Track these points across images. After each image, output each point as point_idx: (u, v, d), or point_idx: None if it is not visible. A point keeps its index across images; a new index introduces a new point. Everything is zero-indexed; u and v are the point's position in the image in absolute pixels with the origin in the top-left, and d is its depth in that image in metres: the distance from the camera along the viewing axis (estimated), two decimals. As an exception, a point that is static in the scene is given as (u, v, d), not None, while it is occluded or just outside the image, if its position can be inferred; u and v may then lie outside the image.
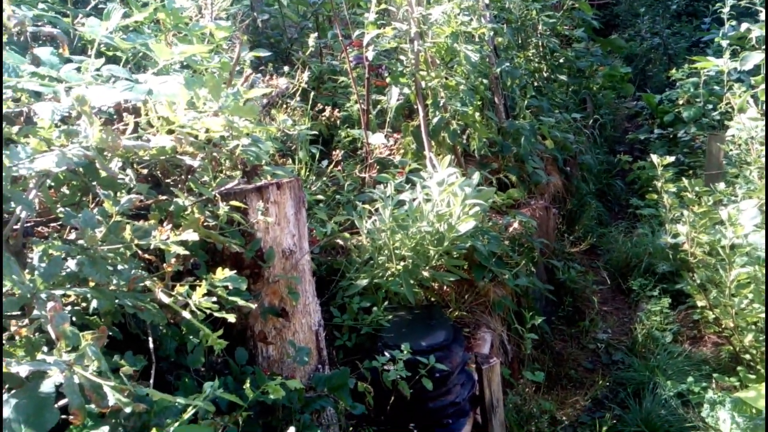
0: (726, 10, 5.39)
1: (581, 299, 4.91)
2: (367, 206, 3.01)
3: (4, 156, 1.10)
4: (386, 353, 2.42)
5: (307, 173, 2.80)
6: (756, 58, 2.79)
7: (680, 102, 7.38)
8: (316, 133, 4.40)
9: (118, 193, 1.42)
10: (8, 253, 1.18)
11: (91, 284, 1.16)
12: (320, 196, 2.72)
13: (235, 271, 1.30)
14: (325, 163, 3.11)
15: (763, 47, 2.85)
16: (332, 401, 1.83)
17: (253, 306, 1.62)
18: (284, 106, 3.31)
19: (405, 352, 2.36)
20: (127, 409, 0.92)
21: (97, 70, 1.63)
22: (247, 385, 1.42)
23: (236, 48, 3.49)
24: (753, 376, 3.52)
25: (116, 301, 1.18)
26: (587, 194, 6.58)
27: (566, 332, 4.54)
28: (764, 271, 3.52)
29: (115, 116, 1.67)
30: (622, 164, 7.51)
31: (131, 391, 0.97)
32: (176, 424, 1.14)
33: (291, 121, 2.48)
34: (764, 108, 2.79)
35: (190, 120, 1.28)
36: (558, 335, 4.49)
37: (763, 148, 4.00)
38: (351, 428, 2.24)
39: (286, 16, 5.81)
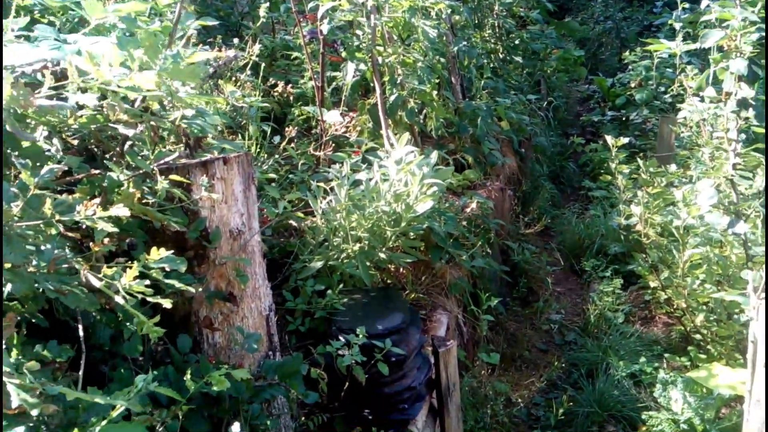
0: (679, -7, 5.43)
1: (535, 280, 4.92)
2: (322, 185, 2.90)
3: None
4: (341, 338, 2.33)
5: (258, 150, 2.66)
6: (716, 35, 2.76)
7: (632, 85, 7.46)
8: (268, 108, 4.24)
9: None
10: None
11: (7, 266, 1.03)
12: (272, 175, 2.59)
13: (173, 252, 1.18)
14: (277, 139, 2.97)
15: (723, 25, 2.83)
16: (283, 389, 1.73)
17: (198, 290, 1.50)
18: (233, 79, 3.14)
19: (360, 336, 2.27)
20: (34, 412, 0.80)
21: (21, 29, 1.47)
22: (188, 376, 1.30)
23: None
24: (703, 356, 3.58)
25: (36, 284, 1.04)
26: (541, 176, 6.60)
27: (521, 313, 4.54)
28: (716, 252, 3.57)
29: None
30: (575, 147, 7.57)
31: (43, 390, 0.85)
32: (104, 422, 1.03)
33: (240, 93, 2.33)
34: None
35: (116, 77, 1.14)
36: (512, 316, 4.48)
37: (715, 130, 4.03)
38: (303, 417, 2.15)
39: (236, -12, 5.58)
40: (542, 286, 4.86)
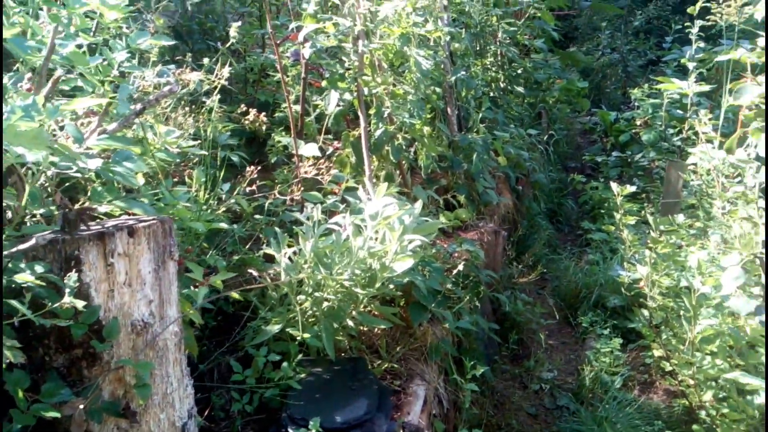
0: (695, 30, 5.10)
1: (527, 332, 4.54)
2: (284, 233, 2.52)
3: None
4: (290, 430, 1.94)
5: (207, 197, 2.29)
6: (753, 91, 2.41)
7: (638, 122, 7.14)
8: (248, 133, 3.87)
9: None
10: None
11: None
12: (223, 225, 2.21)
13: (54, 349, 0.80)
14: (233, 182, 2.59)
15: (764, 76, 2.48)
16: None
17: (79, 408, 1.11)
18: (193, 107, 2.77)
19: (313, 431, 1.88)
20: None
21: None
22: None
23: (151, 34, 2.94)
24: (711, 441, 3.19)
25: None
26: (538, 215, 6.24)
27: (510, 371, 4.14)
28: (728, 322, 3.19)
29: None
30: (575, 184, 7.21)
31: None
32: None
33: (178, 135, 1.96)
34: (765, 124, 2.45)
35: None
36: (500, 374, 4.09)
37: (728, 181, 3.68)
38: None
39: (224, 0, 5.23)
40: (534, 340, 4.47)
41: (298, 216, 2.65)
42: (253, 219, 2.92)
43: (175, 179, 2.46)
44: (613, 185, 4.04)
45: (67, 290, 1.07)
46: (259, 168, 2.82)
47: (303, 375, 2.23)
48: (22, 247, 1.08)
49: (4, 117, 0.87)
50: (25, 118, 0.90)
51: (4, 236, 1.05)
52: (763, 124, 2.43)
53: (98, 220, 1.49)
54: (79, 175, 1.45)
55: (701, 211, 4.34)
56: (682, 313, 3.40)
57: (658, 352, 3.64)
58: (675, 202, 5.22)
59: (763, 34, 2.69)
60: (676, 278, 3.31)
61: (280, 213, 3.02)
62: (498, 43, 6.60)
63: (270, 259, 2.68)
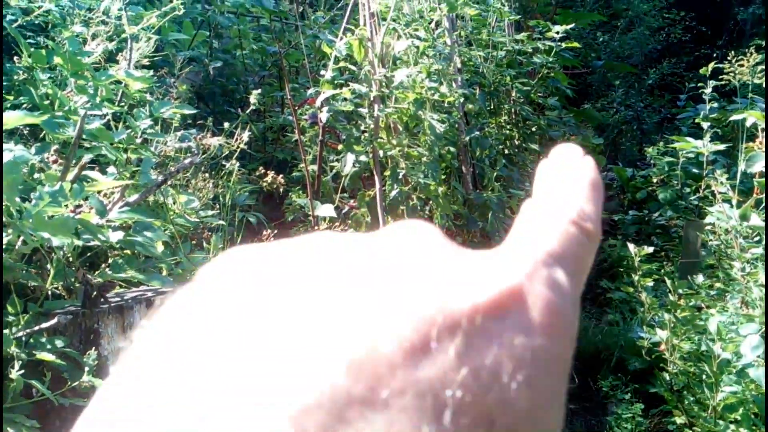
0: (708, 90, 5.15)
1: (546, 395, 4.45)
2: None
3: None
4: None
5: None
6: (763, 161, 2.42)
7: (654, 180, 7.14)
8: (266, 192, 3.93)
9: None
10: None
11: None
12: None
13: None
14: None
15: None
16: None
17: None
18: (212, 172, 2.83)
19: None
20: None
21: None
22: None
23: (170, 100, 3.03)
24: None
25: None
26: (555, 273, 6.18)
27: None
28: (751, 389, 3.12)
29: None
30: (592, 242, 7.17)
31: None
32: None
33: (197, 204, 2.01)
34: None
35: None
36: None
37: (745, 242, 3.65)
38: None
39: (245, 63, 5.40)
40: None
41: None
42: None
43: (194, 242, 2.50)
44: (631, 246, 4.02)
45: (87, 368, 1.09)
46: (276, 230, 2.86)
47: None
48: (45, 325, 1.11)
49: (32, 203, 0.92)
50: (52, 204, 0.93)
51: (29, 314, 1.07)
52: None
53: (117, 289, 1.52)
54: (100, 244, 1.49)
55: (721, 272, 4.29)
56: (704, 378, 3.33)
57: (680, 419, 3.55)
58: (694, 262, 5.17)
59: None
60: (696, 342, 3.25)
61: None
62: (512, 102, 6.71)
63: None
